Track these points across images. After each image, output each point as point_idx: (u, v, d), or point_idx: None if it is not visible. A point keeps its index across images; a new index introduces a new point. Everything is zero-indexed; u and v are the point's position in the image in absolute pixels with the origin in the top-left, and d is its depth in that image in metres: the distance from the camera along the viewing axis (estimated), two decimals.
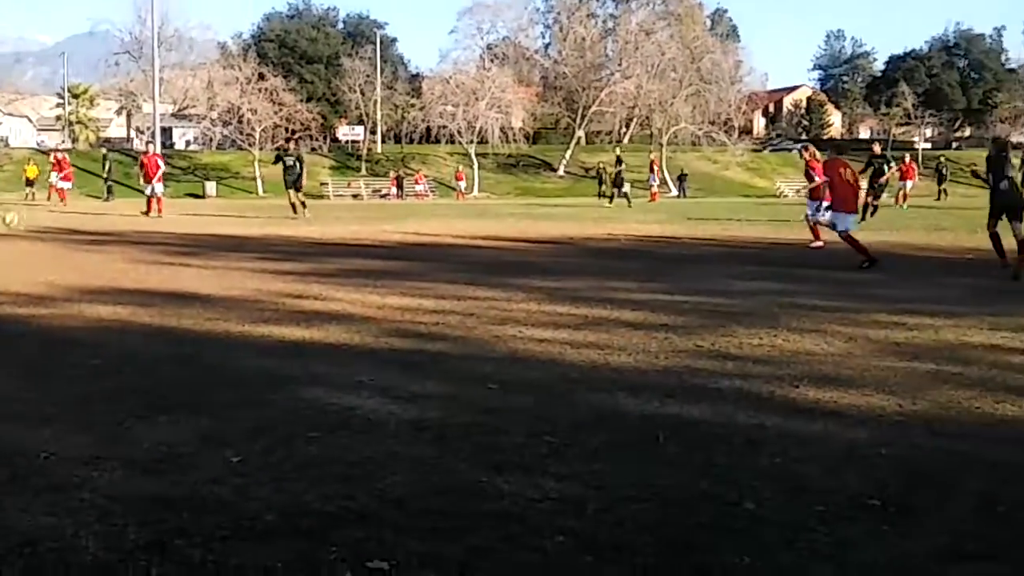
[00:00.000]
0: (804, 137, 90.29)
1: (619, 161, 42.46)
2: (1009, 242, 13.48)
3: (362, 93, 70.16)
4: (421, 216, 32.10)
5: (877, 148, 29.77)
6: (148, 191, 30.26)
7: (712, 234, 21.35)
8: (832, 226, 14.82)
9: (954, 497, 4.22)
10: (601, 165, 53.19)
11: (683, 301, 10.28)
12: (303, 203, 28.61)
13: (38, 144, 66.37)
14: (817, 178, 17.51)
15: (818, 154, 18.98)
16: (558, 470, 4.57)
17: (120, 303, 9.92)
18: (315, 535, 3.76)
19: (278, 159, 29.52)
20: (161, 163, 30.87)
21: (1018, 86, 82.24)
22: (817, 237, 17.80)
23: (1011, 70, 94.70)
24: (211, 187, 54.58)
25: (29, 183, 44.15)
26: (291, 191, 28.53)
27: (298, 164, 28.33)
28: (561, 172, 70.67)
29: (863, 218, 21.74)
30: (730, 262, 15.07)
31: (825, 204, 16.15)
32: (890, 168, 27.66)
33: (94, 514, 3.98)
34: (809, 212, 18.27)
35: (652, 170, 50.50)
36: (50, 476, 4.47)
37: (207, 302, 10.04)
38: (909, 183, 37.00)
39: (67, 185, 38.38)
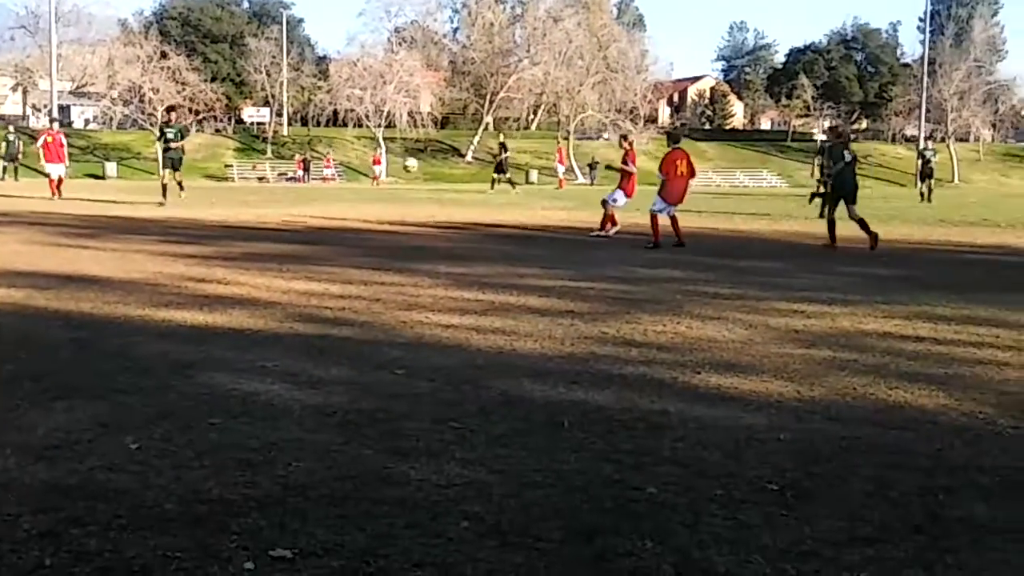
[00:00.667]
0: (707, 127, 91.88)
1: (503, 148, 42.60)
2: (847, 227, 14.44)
3: (268, 74, 69.09)
4: (328, 200, 31.77)
5: (822, 136, 30.42)
6: (53, 172, 28.60)
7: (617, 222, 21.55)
8: (612, 201, 17.05)
9: (849, 482, 4.34)
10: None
11: (589, 288, 10.37)
12: (180, 184, 25.41)
13: None
14: (631, 168, 17.79)
15: (635, 144, 19.27)
16: (464, 456, 4.57)
17: (14, 286, 9.61)
18: (216, 523, 3.70)
19: (162, 134, 25.96)
20: (65, 142, 29.40)
21: (912, 80, 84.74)
22: (615, 223, 17.93)
23: (906, 64, 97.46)
24: (111, 168, 53.20)
25: None
26: (167, 171, 25.41)
27: (180, 138, 25.06)
28: (469, 158, 70.60)
29: (810, 201, 22.33)
30: (635, 249, 15.25)
31: (621, 193, 17.72)
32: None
33: None
34: (609, 199, 18.05)
35: (559, 158, 50.94)
36: None
37: (106, 285, 9.79)
38: None
39: None
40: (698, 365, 6.63)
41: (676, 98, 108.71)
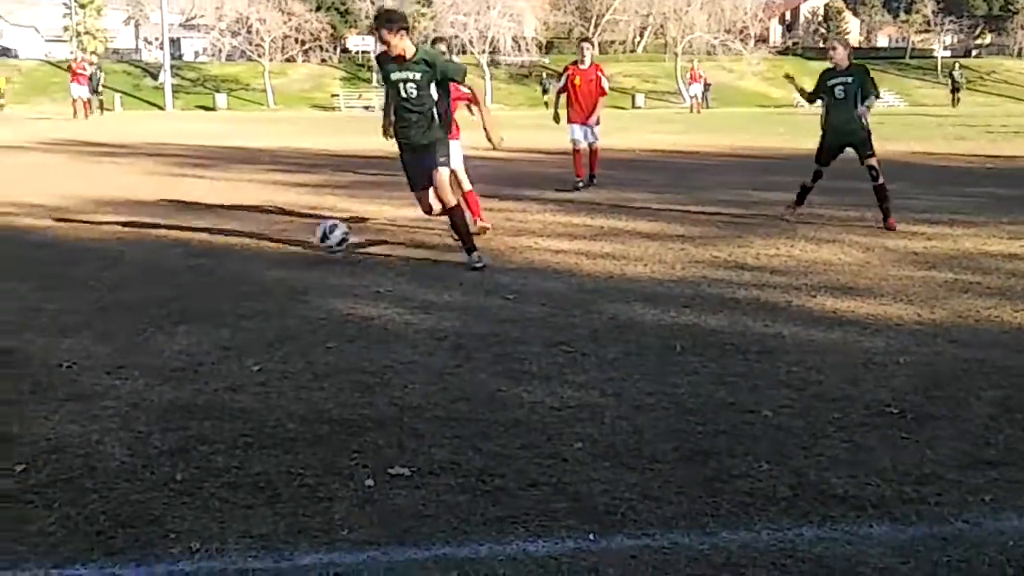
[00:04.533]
0: (821, 45, 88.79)
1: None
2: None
3: (372, 2, 69.08)
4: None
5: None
6: (78, 94, 32.06)
7: (728, 145, 21.14)
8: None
9: (972, 405, 4.23)
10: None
11: (699, 212, 10.23)
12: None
13: (46, 55, 65.68)
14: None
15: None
16: (576, 379, 4.59)
17: (136, 215, 9.92)
18: (336, 442, 3.80)
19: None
20: (87, 68, 32.94)
21: None
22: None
23: None
24: (222, 99, 54.11)
25: None
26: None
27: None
28: None
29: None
30: (747, 172, 14.95)
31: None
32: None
33: (118, 422, 4.03)
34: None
35: (691, 79, 47.65)
36: (73, 385, 4.52)
37: (222, 214, 10.04)
38: None
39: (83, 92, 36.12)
40: (813, 288, 6.49)
41: (788, 16, 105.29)
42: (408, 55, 6.98)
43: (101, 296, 6.35)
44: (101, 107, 37.67)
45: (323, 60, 63.29)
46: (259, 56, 59.53)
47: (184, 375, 4.67)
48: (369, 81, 66.56)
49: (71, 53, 44.95)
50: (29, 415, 4.12)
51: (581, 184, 12.30)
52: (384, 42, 6.97)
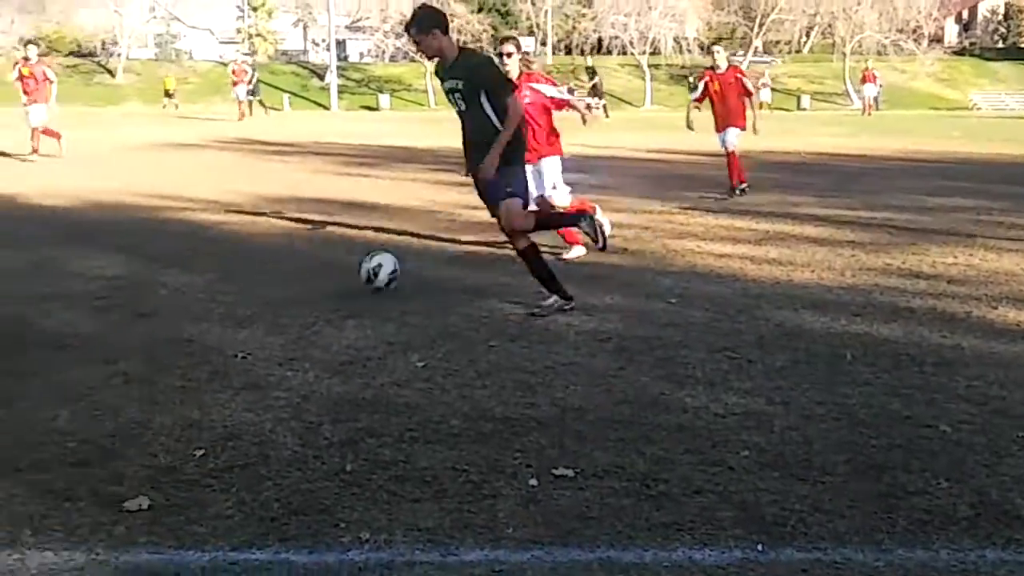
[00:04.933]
0: (1000, 46, 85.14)
1: (593, 73, 40.74)
2: None
3: (532, 3, 69.54)
4: (593, 129, 31.78)
5: None
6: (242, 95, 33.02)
7: (899, 148, 20.38)
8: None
9: None
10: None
11: (870, 217, 9.88)
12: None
13: (219, 57, 68.55)
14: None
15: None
16: (742, 385, 4.49)
17: (304, 211, 10.24)
18: (500, 440, 3.82)
19: None
20: (248, 69, 33.88)
21: None
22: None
23: None
24: (385, 100, 55.44)
25: (168, 95, 44.54)
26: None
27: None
28: None
29: None
30: (921, 177, 14.37)
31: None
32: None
33: (290, 412, 4.16)
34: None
35: (864, 79, 45.41)
36: (247, 375, 4.69)
37: (387, 212, 10.26)
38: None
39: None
40: (994, 299, 6.18)
41: (965, 15, 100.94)
42: (450, 59, 5.83)
43: (273, 289, 6.57)
44: (263, 107, 38.92)
45: None
46: (421, 57, 60.62)
47: (352, 368, 4.78)
48: None
49: (235, 55, 46.51)
50: (207, 402, 4.29)
51: (743, 189, 11.99)
52: (417, 47, 6.04)
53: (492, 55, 7.32)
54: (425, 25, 5.73)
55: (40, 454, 3.72)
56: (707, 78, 12.05)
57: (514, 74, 7.41)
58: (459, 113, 5.88)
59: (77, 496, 3.35)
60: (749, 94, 12.12)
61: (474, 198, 6.26)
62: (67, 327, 5.62)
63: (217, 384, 4.55)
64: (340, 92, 52.13)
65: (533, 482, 3.42)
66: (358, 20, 77.95)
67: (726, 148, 11.95)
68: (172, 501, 3.30)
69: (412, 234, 8.77)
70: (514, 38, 7.94)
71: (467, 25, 62.30)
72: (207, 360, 4.93)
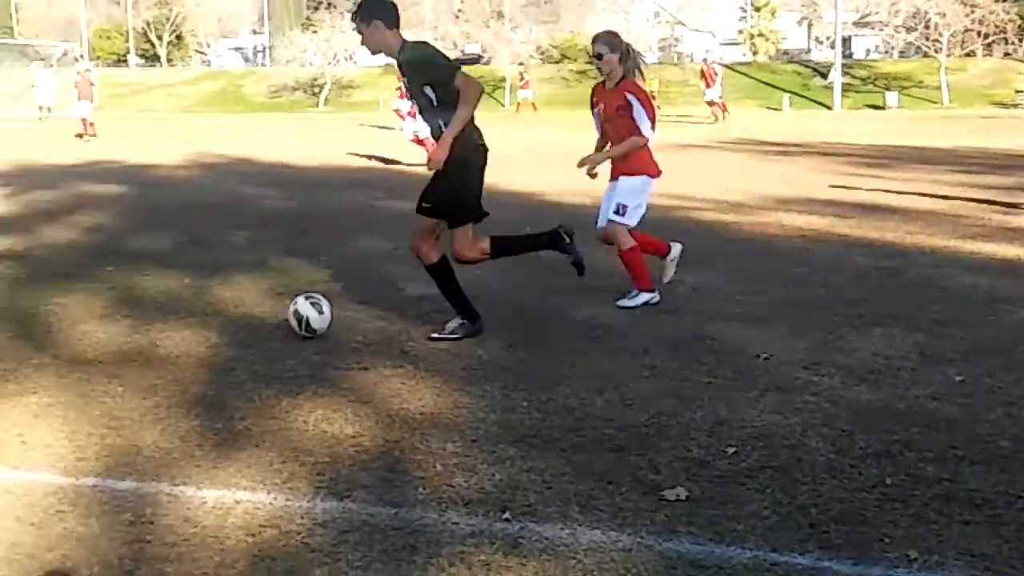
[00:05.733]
0: None
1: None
2: None
3: None
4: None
5: None
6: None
7: None
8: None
9: None
10: None
11: None
12: None
13: (719, 59, 69.43)
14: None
15: None
16: None
17: (815, 213, 10.05)
18: None
19: None
20: (717, 70, 32.09)
21: None
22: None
23: None
24: (892, 97, 52.95)
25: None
26: None
27: None
28: None
29: None
30: None
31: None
32: None
33: (819, 417, 4.09)
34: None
35: None
36: (772, 376, 4.69)
37: (906, 215, 9.78)
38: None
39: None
40: None
41: None
42: (395, 55, 5.20)
43: (791, 291, 6.52)
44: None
45: (1006, 54, 59.11)
46: (935, 52, 57.31)
47: (881, 377, 4.60)
48: None
49: (707, 54, 45.52)
50: (735, 400, 4.35)
51: None
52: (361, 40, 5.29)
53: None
54: (366, 14, 5.10)
55: (580, 437, 3.98)
56: None
57: (612, 81, 6.16)
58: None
59: (618, 480, 3.53)
60: None
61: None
62: (595, 319, 5.95)
63: (742, 383, 4.60)
64: (844, 90, 50.60)
65: None
66: (866, 15, 75.30)
67: None
68: (708, 494, 3.38)
69: (935, 238, 8.29)
70: (608, 33, 6.38)
71: (991, 16, 57.71)
72: (730, 358, 5.00)
